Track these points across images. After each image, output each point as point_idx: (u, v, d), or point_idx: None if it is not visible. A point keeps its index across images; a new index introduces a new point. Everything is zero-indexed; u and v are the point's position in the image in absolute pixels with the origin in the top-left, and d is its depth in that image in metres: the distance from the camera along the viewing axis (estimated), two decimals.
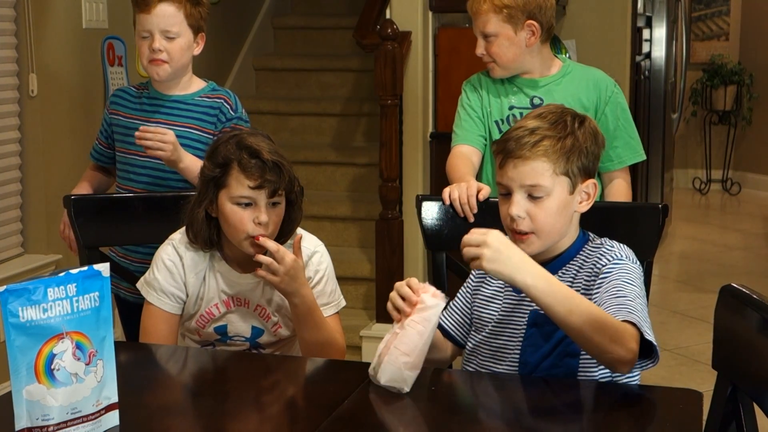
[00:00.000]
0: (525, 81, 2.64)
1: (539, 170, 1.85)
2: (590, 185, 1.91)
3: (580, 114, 1.95)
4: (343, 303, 2.28)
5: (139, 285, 2.25)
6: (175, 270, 2.19)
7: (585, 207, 1.92)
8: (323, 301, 2.22)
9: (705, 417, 1.74)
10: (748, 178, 8.15)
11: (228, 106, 2.63)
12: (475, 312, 2.03)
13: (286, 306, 2.17)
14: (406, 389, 1.73)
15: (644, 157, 2.69)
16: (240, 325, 2.22)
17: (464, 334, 2.07)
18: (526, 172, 1.86)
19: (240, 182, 2.09)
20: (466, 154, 2.60)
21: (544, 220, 1.87)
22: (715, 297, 1.73)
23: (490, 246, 1.71)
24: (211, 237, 2.18)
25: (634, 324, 1.72)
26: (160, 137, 2.47)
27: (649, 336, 1.74)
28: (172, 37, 2.57)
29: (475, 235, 1.73)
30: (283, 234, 2.18)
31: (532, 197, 1.87)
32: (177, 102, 2.63)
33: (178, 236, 2.22)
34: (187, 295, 2.20)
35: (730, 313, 1.70)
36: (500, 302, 1.98)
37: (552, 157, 1.85)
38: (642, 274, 1.90)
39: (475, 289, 2.05)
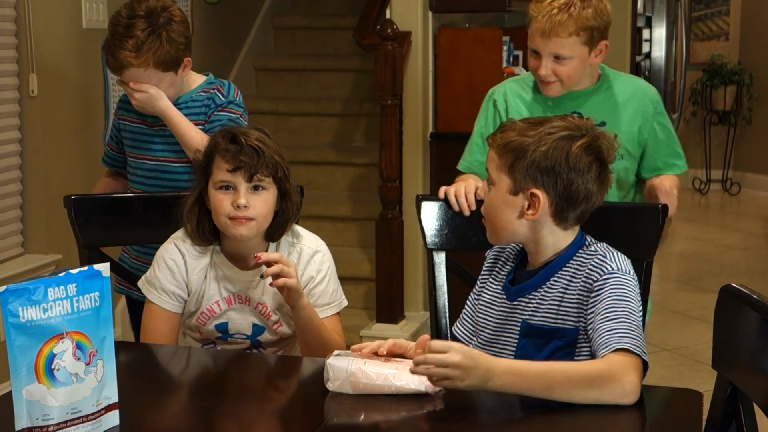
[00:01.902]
0: (565, 94, 2.48)
1: (489, 159, 1.92)
2: (536, 194, 1.85)
3: (578, 135, 1.87)
4: (345, 303, 2.28)
5: (140, 283, 2.26)
6: (176, 268, 2.19)
7: (530, 215, 1.87)
8: (325, 300, 2.22)
9: (705, 417, 1.74)
10: (747, 178, 8.15)
11: (220, 94, 2.63)
12: (477, 315, 2.03)
13: (287, 305, 2.17)
14: (329, 387, 1.76)
15: (687, 169, 2.58)
16: (241, 323, 2.22)
17: (472, 338, 2.07)
18: (487, 157, 1.94)
19: (219, 167, 2.12)
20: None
21: (488, 208, 1.94)
22: (715, 297, 1.73)
23: (458, 365, 1.65)
24: (205, 230, 2.18)
25: (628, 350, 1.70)
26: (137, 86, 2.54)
27: (645, 356, 1.72)
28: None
29: (434, 356, 1.65)
30: (276, 229, 2.19)
31: (488, 185, 1.94)
32: (177, 103, 2.63)
33: (180, 234, 2.23)
34: (189, 293, 2.21)
35: (730, 313, 1.70)
36: (496, 309, 1.97)
37: (501, 150, 1.89)
38: (636, 282, 1.86)
39: (478, 294, 2.04)
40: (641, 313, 1.82)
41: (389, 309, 4.26)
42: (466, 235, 2.36)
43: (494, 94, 2.58)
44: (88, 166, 3.95)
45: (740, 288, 1.69)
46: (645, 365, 1.73)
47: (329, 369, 1.75)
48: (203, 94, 2.65)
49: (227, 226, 2.13)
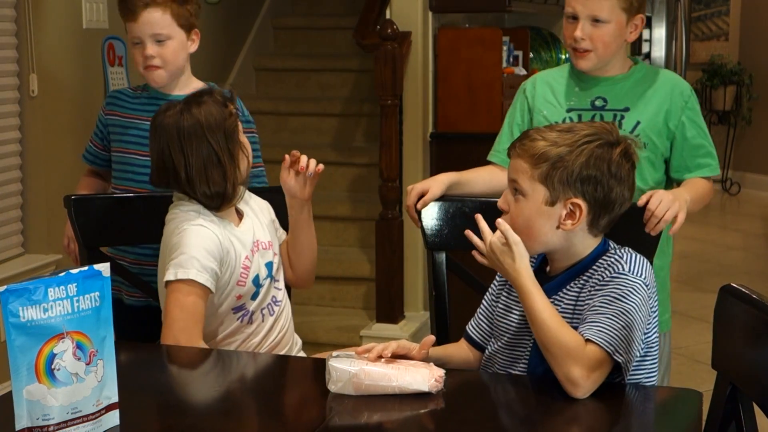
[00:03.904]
0: (591, 79, 2.46)
1: (520, 169, 1.88)
2: (576, 205, 1.86)
3: (612, 141, 1.87)
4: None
5: (169, 275, 2.16)
6: (214, 246, 2.19)
7: (569, 226, 1.87)
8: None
9: (705, 417, 1.74)
10: (747, 178, 8.15)
11: None
12: (495, 319, 2.02)
13: (272, 230, 2.39)
14: (331, 388, 1.75)
15: (719, 172, 2.50)
16: (260, 268, 2.32)
17: (487, 338, 2.07)
18: (511, 168, 1.91)
19: (219, 102, 2.29)
20: (486, 170, 2.50)
21: (516, 219, 1.89)
22: (715, 297, 1.73)
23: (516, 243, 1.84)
24: (226, 188, 2.25)
25: (598, 344, 1.72)
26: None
27: (618, 357, 1.73)
28: (162, 41, 2.56)
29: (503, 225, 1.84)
30: None
31: (514, 194, 1.90)
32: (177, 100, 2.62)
33: (194, 216, 2.22)
34: (224, 264, 2.22)
35: (730, 313, 1.70)
36: (516, 314, 1.97)
37: (534, 160, 1.86)
38: (647, 288, 1.83)
39: (497, 296, 2.05)
40: (639, 317, 1.79)
41: (389, 309, 4.26)
42: None
43: (526, 83, 2.58)
44: (84, 170, 3.95)
45: (740, 288, 1.69)
46: (625, 366, 1.74)
47: (331, 370, 1.75)
48: None
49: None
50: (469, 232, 1.91)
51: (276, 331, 2.36)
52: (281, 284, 2.41)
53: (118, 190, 2.68)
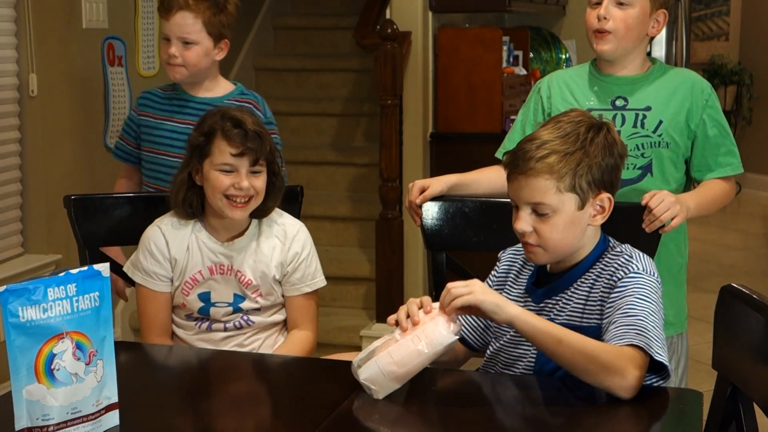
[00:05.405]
0: (610, 78, 2.44)
1: (542, 188, 1.84)
2: (604, 199, 1.88)
3: (598, 123, 1.90)
4: (323, 284, 2.38)
5: (125, 268, 2.37)
6: (157, 250, 2.29)
7: (600, 220, 1.89)
8: (306, 279, 2.34)
9: (705, 417, 1.74)
10: (748, 178, 8.15)
11: (258, 112, 2.65)
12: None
13: (269, 274, 2.29)
14: (380, 396, 1.73)
15: (742, 170, 2.44)
16: (222, 292, 2.30)
17: (477, 337, 2.07)
18: (529, 190, 1.85)
19: (222, 150, 2.21)
20: (492, 170, 2.42)
21: (550, 236, 1.86)
22: (715, 297, 1.73)
23: (477, 284, 1.77)
24: (191, 202, 2.28)
25: (640, 347, 1.71)
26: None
27: (659, 356, 1.72)
28: (189, 43, 2.63)
29: (458, 285, 1.77)
30: (267, 205, 2.29)
31: (537, 213, 1.86)
32: (206, 104, 2.65)
33: (165, 216, 2.33)
34: (173, 268, 2.30)
35: (730, 313, 1.70)
36: None
37: (556, 174, 1.83)
38: (660, 285, 1.86)
39: None
40: (661, 316, 1.81)
41: (389, 309, 4.23)
42: (466, 235, 2.36)
43: (541, 82, 2.54)
44: (88, 166, 3.95)
45: (740, 288, 1.69)
46: (663, 367, 1.75)
47: (368, 385, 1.73)
48: (236, 102, 2.68)
49: (223, 206, 2.23)
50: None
51: (238, 341, 2.33)
52: (265, 314, 2.34)
53: (151, 188, 2.72)
